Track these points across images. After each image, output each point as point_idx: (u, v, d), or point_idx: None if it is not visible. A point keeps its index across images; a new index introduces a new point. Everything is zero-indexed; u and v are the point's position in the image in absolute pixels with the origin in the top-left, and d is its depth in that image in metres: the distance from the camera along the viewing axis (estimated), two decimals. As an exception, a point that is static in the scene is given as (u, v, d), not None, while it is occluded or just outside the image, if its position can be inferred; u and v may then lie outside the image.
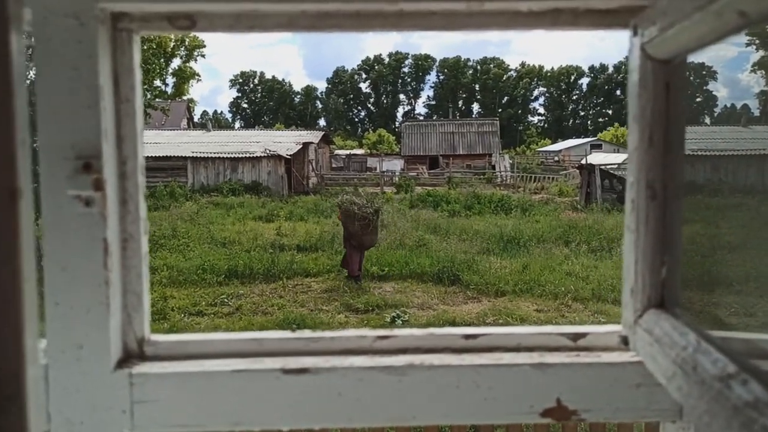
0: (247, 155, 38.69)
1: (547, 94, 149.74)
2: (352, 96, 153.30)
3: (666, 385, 0.79)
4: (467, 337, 0.99)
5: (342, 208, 14.69)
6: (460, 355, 0.97)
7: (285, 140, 43.08)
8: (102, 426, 0.92)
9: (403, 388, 0.94)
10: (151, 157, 36.13)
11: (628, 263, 0.93)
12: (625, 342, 0.95)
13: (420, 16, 0.94)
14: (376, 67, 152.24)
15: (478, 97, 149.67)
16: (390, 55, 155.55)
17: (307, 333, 1.01)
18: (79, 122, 0.88)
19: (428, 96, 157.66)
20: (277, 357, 0.98)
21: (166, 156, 37.89)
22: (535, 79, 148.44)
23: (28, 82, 0.73)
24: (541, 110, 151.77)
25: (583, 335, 0.98)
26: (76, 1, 0.88)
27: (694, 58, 0.88)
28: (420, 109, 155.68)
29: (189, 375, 0.94)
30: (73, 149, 0.88)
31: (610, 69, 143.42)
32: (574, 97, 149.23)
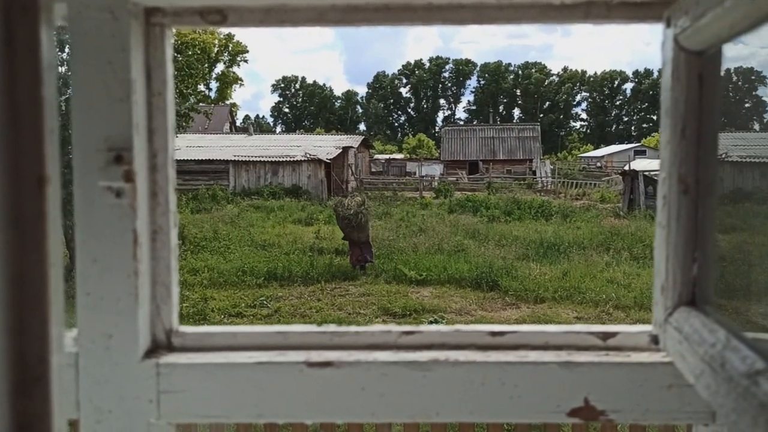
0: (288, 159, 39.06)
1: (589, 99, 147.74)
2: (392, 101, 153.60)
3: (695, 384, 0.76)
4: (494, 334, 0.98)
5: (334, 209, 17.46)
6: (485, 352, 0.95)
7: (325, 144, 43.41)
8: (129, 415, 0.94)
9: (427, 384, 0.93)
10: (194, 160, 36.82)
11: (659, 260, 0.90)
12: (655, 341, 0.93)
13: (449, 9, 0.94)
14: (417, 72, 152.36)
15: (519, 102, 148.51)
16: (430, 60, 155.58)
17: (332, 327, 1.01)
18: (112, 115, 0.90)
19: (468, 101, 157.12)
20: (301, 350, 0.98)
21: (209, 159, 38.52)
22: (578, 84, 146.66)
23: (61, 75, 0.75)
24: (584, 115, 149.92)
25: (613, 334, 0.96)
26: None
27: (743, 63, 0.86)
28: (460, 113, 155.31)
29: (214, 366, 0.95)
30: (105, 141, 0.90)
31: (655, 74, 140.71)
32: (618, 103, 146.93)
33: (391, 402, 0.93)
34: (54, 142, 0.64)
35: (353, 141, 46.88)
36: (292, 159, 39.07)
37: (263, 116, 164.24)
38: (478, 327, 0.98)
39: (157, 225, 0.97)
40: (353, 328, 1.00)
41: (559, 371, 0.92)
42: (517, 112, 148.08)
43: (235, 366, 0.95)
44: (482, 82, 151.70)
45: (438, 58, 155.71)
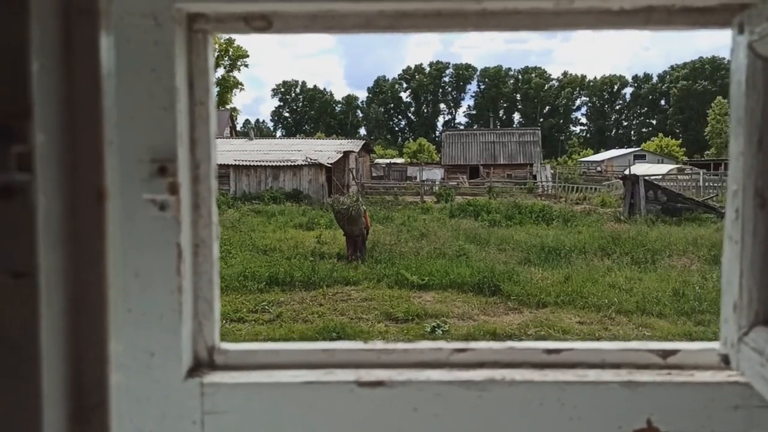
0: (289, 163, 39.05)
1: (589, 104, 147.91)
2: (392, 105, 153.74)
3: (783, 410, 0.73)
4: (549, 351, 0.94)
5: (331, 205, 19.72)
6: (542, 371, 0.92)
7: (326, 149, 43.40)
8: None
9: (483, 404, 0.89)
10: (195, 164, 36.67)
11: (730, 276, 0.86)
12: (725, 361, 0.89)
13: (504, 15, 0.90)
14: (417, 77, 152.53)
15: (520, 106, 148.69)
16: (431, 64, 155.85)
17: (379, 344, 0.97)
18: (155, 124, 0.86)
19: (469, 105, 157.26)
20: (348, 369, 0.95)
21: (209, 164, 38.46)
22: (578, 89, 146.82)
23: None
24: (584, 120, 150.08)
25: (674, 352, 0.92)
26: (154, 1, 0.86)
27: None
28: (460, 118, 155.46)
29: (260, 386, 0.91)
30: (148, 152, 0.86)
31: (655, 78, 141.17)
32: (617, 107, 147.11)
33: (446, 423, 0.89)
34: (113, 153, 0.61)
35: (354, 145, 46.86)
36: (292, 163, 39.05)
37: (264, 121, 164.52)
38: (532, 344, 0.95)
39: (200, 238, 0.94)
40: (401, 345, 0.96)
41: (620, 391, 0.88)
42: (517, 116, 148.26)
43: (281, 386, 0.91)
44: (482, 87, 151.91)
45: (438, 62, 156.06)
